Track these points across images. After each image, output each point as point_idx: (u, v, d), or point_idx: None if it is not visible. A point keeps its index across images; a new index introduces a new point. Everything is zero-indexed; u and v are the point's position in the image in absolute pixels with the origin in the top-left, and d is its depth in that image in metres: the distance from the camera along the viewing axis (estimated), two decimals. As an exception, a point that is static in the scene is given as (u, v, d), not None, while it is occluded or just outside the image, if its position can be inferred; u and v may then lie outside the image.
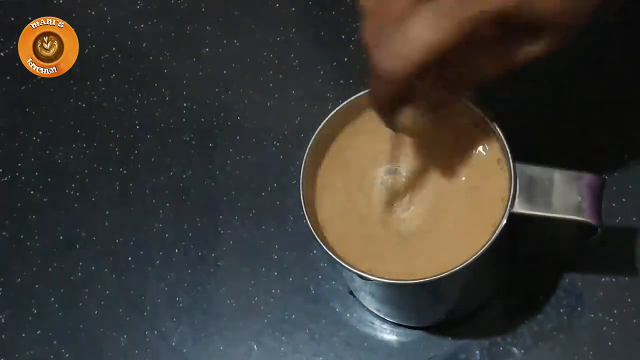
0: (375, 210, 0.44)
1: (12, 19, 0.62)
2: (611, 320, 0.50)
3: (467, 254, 0.40)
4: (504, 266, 0.50)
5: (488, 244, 0.40)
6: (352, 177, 0.44)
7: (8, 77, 0.61)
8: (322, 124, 0.43)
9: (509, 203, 0.40)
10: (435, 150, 0.44)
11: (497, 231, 0.40)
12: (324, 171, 0.44)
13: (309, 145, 0.43)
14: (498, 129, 0.42)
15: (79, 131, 0.59)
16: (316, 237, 0.42)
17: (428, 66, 0.34)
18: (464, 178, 0.43)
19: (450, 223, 0.42)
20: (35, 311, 0.55)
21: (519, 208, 0.40)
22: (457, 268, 0.39)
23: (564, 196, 0.40)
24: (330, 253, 0.41)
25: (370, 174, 0.44)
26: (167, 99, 0.59)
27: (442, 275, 0.40)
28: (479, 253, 0.40)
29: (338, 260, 0.41)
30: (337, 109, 0.44)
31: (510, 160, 0.41)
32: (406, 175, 0.44)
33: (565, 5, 0.35)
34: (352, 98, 0.44)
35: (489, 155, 0.43)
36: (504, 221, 0.40)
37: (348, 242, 0.43)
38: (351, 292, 0.52)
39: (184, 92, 0.59)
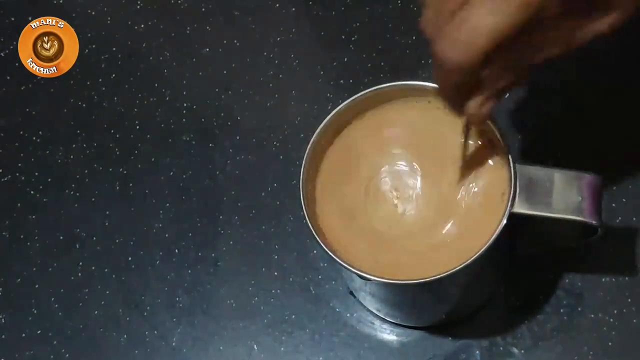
0: (375, 210, 0.44)
1: (12, 19, 0.62)
2: (611, 320, 0.50)
3: (467, 254, 0.40)
4: (503, 266, 0.50)
5: (488, 244, 0.40)
6: (352, 177, 0.44)
7: (8, 77, 0.61)
8: (323, 123, 0.43)
9: (509, 203, 0.40)
10: (435, 151, 0.44)
11: (497, 231, 0.40)
12: (324, 171, 0.44)
13: (309, 145, 0.43)
14: (498, 128, 0.42)
15: (79, 131, 0.59)
16: (316, 237, 0.42)
17: (494, 52, 0.33)
18: (464, 178, 0.43)
19: (450, 223, 0.43)
20: (35, 311, 0.55)
21: (519, 208, 0.40)
22: (457, 268, 0.39)
23: (564, 196, 0.40)
24: (330, 253, 0.41)
25: (370, 174, 0.44)
26: (167, 99, 0.59)
27: (442, 275, 0.40)
28: (479, 253, 0.40)
29: (338, 260, 0.41)
30: (337, 109, 0.44)
31: (510, 161, 0.41)
32: (406, 176, 0.44)
33: None
34: (352, 98, 0.44)
35: (489, 156, 0.43)
36: (504, 221, 0.40)
37: (348, 242, 0.43)
38: (351, 293, 0.52)
39: (184, 92, 0.59)
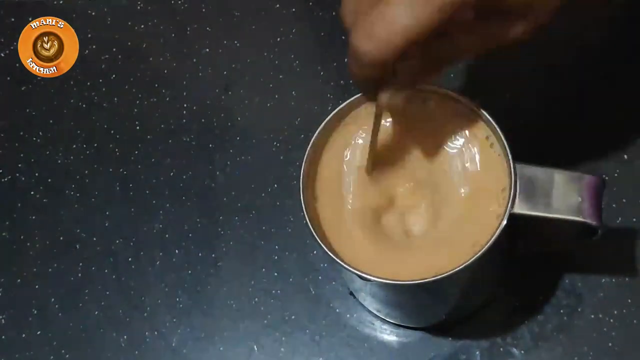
0: (375, 210, 0.44)
1: (12, 19, 0.62)
2: (611, 320, 0.50)
3: (467, 254, 0.40)
4: (503, 267, 0.50)
5: (488, 244, 0.40)
6: (352, 178, 0.44)
7: (8, 78, 0.61)
8: (323, 124, 0.43)
9: (509, 204, 0.40)
10: (436, 150, 0.44)
11: (497, 232, 0.40)
12: (325, 171, 0.44)
13: (309, 146, 0.43)
14: (498, 129, 0.42)
15: (79, 131, 0.59)
16: (316, 237, 0.42)
17: (406, 50, 0.34)
18: (464, 179, 0.43)
19: (450, 223, 0.42)
20: (35, 312, 0.55)
21: (519, 209, 0.40)
22: (457, 269, 0.39)
23: (564, 197, 0.40)
24: (330, 254, 0.41)
25: (372, 173, 0.44)
26: (167, 99, 0.59)
27: (442, 275, 0.40)
28: (479, 254, 0.40)
29: (338, 260, 0.41)
30: (337, 109, 0.44)
31: (511, 161, 0.41)
32: (405, 176, 0.44)
33: None
34: (352, 98, 0.43)
35: (489, 156, 0.43)
36: (504, 222, 0.40)
37: (348, 243, 0.43)
38: (351, 293, 0.52)
39: (184, 93, 0.59)
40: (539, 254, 0.50)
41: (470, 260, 0.39)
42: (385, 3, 0.34)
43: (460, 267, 0.39)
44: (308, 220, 0.42)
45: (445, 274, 0.40)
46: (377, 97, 0.39)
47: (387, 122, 0.44)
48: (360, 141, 0.44)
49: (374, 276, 0.41)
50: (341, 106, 0.44)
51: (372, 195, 0.44)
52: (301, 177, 0.43)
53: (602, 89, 0.54)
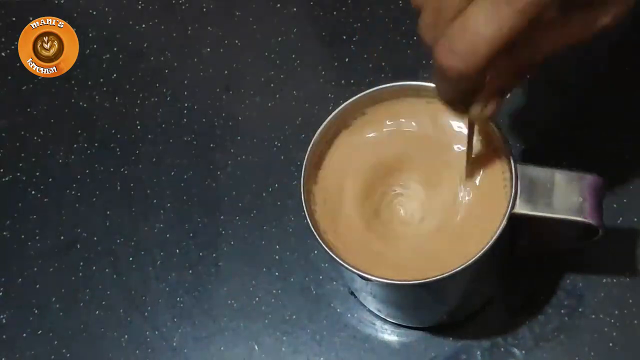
0: (375, 210, 0.44)
1: (12, 19, 0.62)
2: (612, 321, 0.50)
3: (468, 254, 0.40)
4: (504, 267, 0.50)
5: (489, 244, 0.40)
6: (353, 178, 0.44)
7: (9, 77, 0.61)
8: (324, 123, 0.43)
9: (510, 204, 0.40)
10: (436, 151, 0.44)
11: (498, 232, 0.40)
12: (326, 171, 0.44)
13: (310, 146, 0.43)
14: (499, 129, 0.42)
15: (79, 131, 0.59)
16: (317, 237, 0.42)
17: (494, 58, 0.33)
18: (464, 179, 0.43)
19: (451, 223, 0.42)
20: (36, 311, 0.55)
21: (520, 209, 0.40)
22: (458, 269, 0.39)
23: (565, 197, 0.40)
24: (331, 253, 0.41)
25: (372, 174, 0.44)
26: (168, 99, 0.59)
27: (442, 275, 0.40)
28: (479, 254, 0.40)
29: (339, 260, 0.41)
30: (338, 109, 0.44)
31: (512, 161, 0.41)
32: (406, 176, 0.44)
33: None
34: (353, 98, 0.44)
35: (490, 156, 0.43)
36: (505, 222, 0.40)
37: (349, 243, 0.43)
38: (352, 293, 0.52)
39: (185, 92, 0.59)
40: (540, 254, 0.50)
41: (471, 260, 0.39)
42: (465, 14, 0.33)
43: (461, 267, 0.39)
44: (309, 220, 0.42)
45: (446, 274, 0.40)
46: (468, 111, 0.38)
47: (387, 124, 0.45)
48: (362, 141, 0.45)
49: (374, 276, 0.41)
50: (343, 106, 0.44)
51: (373, 196, 0.44)
52: (302, 177, 0.43)
53: (603, 88, 0.54)
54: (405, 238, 0.43)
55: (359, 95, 0.43)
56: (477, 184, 0.43)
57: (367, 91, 0.44)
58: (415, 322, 0.51)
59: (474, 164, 0.43)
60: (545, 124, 0.53)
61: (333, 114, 0.44)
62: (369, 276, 0.41)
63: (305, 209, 0.42)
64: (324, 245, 0.42)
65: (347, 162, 0.44)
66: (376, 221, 0.44)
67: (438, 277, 0.40)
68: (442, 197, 0.43)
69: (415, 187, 0.44)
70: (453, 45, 0.33)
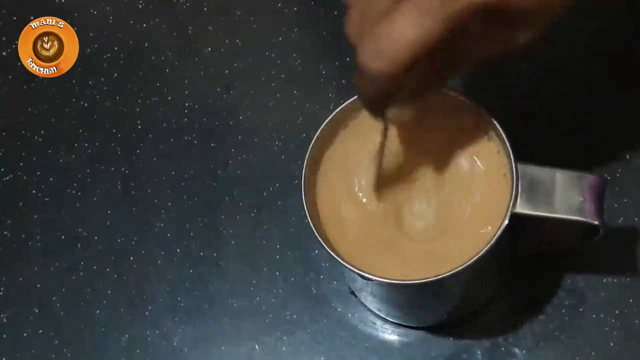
0: (376, 210, 0.44)
1: (13, 18, 0.62)
2: (613, 320, 0.50)
3: (469, 254, 0.40)
4: (505, 266, 0.50)
5: (489, 244, 0.40)
6: (354, 177, 0.44)
7: (10, 77, 0.61)
8: (325, 123, 0.43)
9: (511, 203, 0.40)
10: (437, 151, 0.44)
11: (499, 231, 0.40)
12: (326, 171, 0.44)
13: (311, 145, 0.43)
14: (500, 129, 0.42)
15: (80, 130, 0.59)
16: (318, 237, 0.42)
17: (415, 63, 0.34)
18: (465, 178, 0.43)
19: (451, 223, 0.42)
20: (36, 310, 0.55)
21: (520, 208, 0.40)
22: (459, 269, 0.39)
23: (566, 197, 0.40)
24: (332, 253, 0.41)
25: (372, 174, 0.44)
26: (168, 98, 0.59)
27: (444, 275, 0.40)
28: (480, 253, 0.40)
29: (340, 260, 0.41)
30: (339, 108, 0.44)
31: (512, 161, 0.41)
32: (406, 176, 0.44)
33: None
34: (354, 97, 0.44)
35: (491, 156, 0.43)
36: (506, 221, 0.40)
37: (350, 242, 0.43)
38: (353, 292, 0.52)
39: (186, 92, 0.59)
40: (541, 255, 0.50)
41: (472, 260, 0.39)
42: (391, 17, 0.34)
43: (462, 266, 0.39)
44: (310, 220, 0.42)
45: (447, 274, 0.40)
46: (385, 113, 0.39)
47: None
48: (363, 141, 0.45)
49: (375, 276, 0.41)
50: (344, 105, 0.44)
51: (374, 195, 0.44)
52: (303, 177, 0.43)
53: (604, 88, 0.54)
54: (407, 237, 0.43)
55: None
56: (478, 184, 0.43)
57: None
58: (415, 321, 0.51)
59: (475, 163, 0.43)
60: (546, 123, 0.53)
61: (334, 112, 0.44)
62: (369, 276, 0.41)
63: (306, 209, 0.42)
64: (325, 245, 0.42)
65: (348, 161, 0.44)
66: (377, 221, 0.44)
67: (439, 277, 0.40)
68: (443, 195, 0.43)
69: (417, 186, 0.44)
70: (377, 46, 0.34)
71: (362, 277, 0.41)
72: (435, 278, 0.40)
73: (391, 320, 0.51)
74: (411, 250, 0.43)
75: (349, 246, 0.43)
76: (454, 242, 0.42)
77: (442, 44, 0.34)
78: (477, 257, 0.39)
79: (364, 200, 0.44)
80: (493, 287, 0.51)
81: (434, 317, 0.50)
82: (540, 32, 0.37)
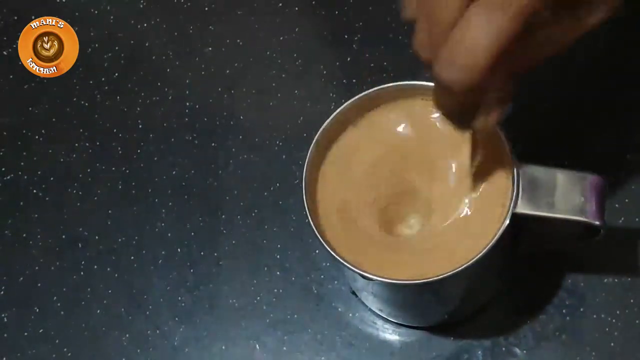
0: (377, 210, 0.44)
1: (13, 18, 0.62)
2: (614, 321, 0.50)
3: (470, 254, 0.40)
4: (506, 266, 0.50)
5: (490, 244, 0.40)
6: (355, 177, 0.44)
7: (11, 77, 0.61)
8: (326, 122, 0.44)
9: (512, 203, 0.40)
10: (437, 151, 0.44)
11: (500, 231, 0.40)
12: (327, 170, 0.44)
13: (313, 144, 0.43)
14: (500, 129, 0.42)
15: (81, 130, 0.59)
16: (319, 237, 0.42)
17: (493, 67, 0.33)
18: (466, 179, 0.43)
19: (452, 223, 0.42)
20: (37, 310, 0.55)
21: (521, 208, 0.40)
22: (460, 268, 0.39)
23: (567, 197, 0.40)
24: (333, 253, 0.41)
25: (374, 173, 0.44)
26: (169, 98, 0.59)
27: (444, 275, 0.40)
28: (481, 253, 0.40)
29: (340, 260, 0.41)
30: (340, 107, 0.44)
31: (513, 161, 0.41)
32: (407, 176, 0.44)
33: None
34: (355, 97, 0.44)
35: (492, 156, 0.43)
36: (507, 222, 0.40)
37: (350, 242, 0.43)
38: (353, 292, 0.52)
39: (187, 92, 0.59)
40: (541, 254, 0.50)
41: (473, 260, 0.39)
42: (460, 25, 0.33)
43: (463, 266, 0.39)
44: (311, 220, 0.42)
45: (448, 274, 0.40)
46: (471, 123, 0.38)
47: (390, 123, 0.45)
48: (364, 140, 0.45)
49: (376, 276, 0.41)
50: (345, 105, 0.44)
51: (375, 194, 0.44)
52: (304, 176, 0.43)
53: (605, 89, 0.54)
54: (407, 237, 0.43)
55: (361, 95, 0.44)
56: (479, 184, 0.43)
57: (369, 91, 0.44)
58: (416, 321, 0.51)
59: (476, 164, 0.43)
60: (547, 124, 0.53)
61: (336, 112, 0.44)
62: (370, 276, 0.41)
63: (306, 208, 0.42)
64: (325, 244, 0.42)
65: (350, 160, 0.44)
66: (378, 220, 0.44)
67: (440, 276, 0.40)
68: (444, 196, 0.43)
69: (417, 186, 0.44)
70: (452, 58, 0.33)
71: (363, 277, 0.41)
72: (437, 278, 0.40)
73: (392, 320, 0.51)
74: (411, 250, 0.43)
75: (349, 246, 0.43)
76: (455, 241, 0.42)
77: (516, 41, 0.33)
78: (478, 257, 0.39)
79: (366, 199, 0.44)
80: (493, 287, 0.51)
81: (434, 317, 0.50)
82: (611, 11, 0.36)
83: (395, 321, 0.51)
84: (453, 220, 0.42)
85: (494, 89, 0.37)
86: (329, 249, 0.41)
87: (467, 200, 0.42)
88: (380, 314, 0.51)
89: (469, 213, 0.42)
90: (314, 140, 0.43)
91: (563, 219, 0.40)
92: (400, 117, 0.45)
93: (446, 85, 0.34)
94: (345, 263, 0.41)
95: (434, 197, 0.43)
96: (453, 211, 0.43)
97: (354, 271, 0.41)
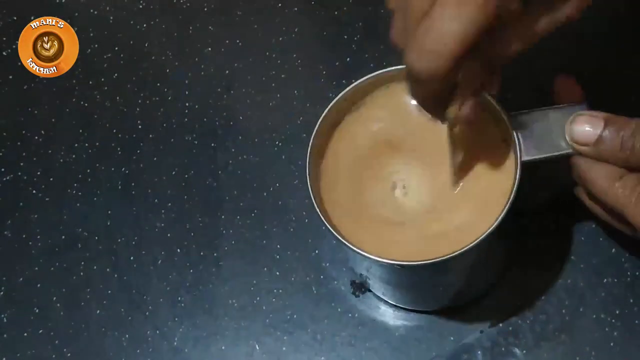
0: (379, 197, 0.44)
1: (13, 18, 0.62)
2: (613, 320, 0.50)
3: (473, 235, 0.40)
4: (508, 250, 0.50)
5: (509, 201, 0.40)
6: (358, 163, 0.44)
7: (10, 77, 0.61)
8: (328, 107, 0.44)
9: (518, 153, 0.41)
10: (435, 135, 0.44)
11: (514, 187, 0.40)
12: (329, 159, 0.45)
13: (313, 134, 0.44)
14: (500, 107, 0.42)
15: (81, 130, 0.59)
16: (325, 222, 0.42)
17: (463, 56, 0.34)
18: (470, 158, 0.43)
19: (457, 205, 0.43)
20: (37, 310, 0.55)
21: (527, 156, 0.41)
22: (467, 247, 0.40)
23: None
24: (337, 234, 0.41)
25: (376, 158, 0.44)
26: (169, 98, 0.59)
27: (451, 255, 0.40)
28: (504, 212, 0.40)
29: (347, 243, 0.41)
30: (342, 93, 0.44)
31: (505, 115, 0.42)
32: (408, 162, 0.44)
33: None
34: (356, 82, 0.44)
35: (495, 136, 0.43)
36: (519, 173, 0.41)
37: (354, 230, 0.43)
38: (354, 292, 0.52)
39: (186, 92, 0.59)
40: (541, 251, 0.51)
41: (495, 223, 0.40)
42: (430, 15, 0.33)
43: (472, 245, 0.40)
44: (317, 206, 0.42)
45: (456, 254, 0.40)
46: (445, 114, 0.39)
47: (389, 108, 0.44)
48: (365, 127, 0.45)
49: (383, 258, 0.41)
50: (347, 90, 0.44)
51: (379, 179, 0.44)
52: (307, 168, 0.43)
53: (605, 88, 0.54)
54: (411, 222, 0.43)
55: (362, 80, 0.44)
56: (479, 166, 0.43)
57: (370, 75, 0.44)
58: (420, 305, 0.51)
59: (479, 144, 0.43)
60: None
61: (337, 97, 0.44)
62: (377, 258, 0.41)
63: (312, 196, 0.42)
64: (332, 229, 0.42)
65: (351, 148, 0.45)
66: (381, 208, 0.44)
67: (446, 257, 0.40)
68: (445, 179, 0.44)
69: (417, 171, 0.44)
70: (421, 47, 0.34)
71: (372, 260, 0.41)
72: (443, 258, 0.40)
73: (395, 303, 0.51)
74: (415, 235, 0.43)
75: (353, 234, 0.43)
76: (461, 223, 0.42)
77: (486, 32, 0.33)
78: (503, 214, 0.40)
79: (369, 184, 0.44)
80: (496, 269, 0.51)
81: (439, 300, 0.50)
82: (581, 6, 0.36)
83: (399, 305, 0.51)
84: (458, 201, 0.43)
85: (467, 81, 0.37)
86: (333, 231, 0.42)
87: (471, 181, 0.43)
88: (383, 297, 0.51)
89: (474, 193, 0.43)
90: (315, 129, 0.44)
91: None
92: (399, 101, 0.45)
93: (415, 73, 0.34)
94: (353, 247, 0.41)
95: (435, 180, 0.44)
96: (458, 192, 0.43)
97: (360, 254, 0.41)
